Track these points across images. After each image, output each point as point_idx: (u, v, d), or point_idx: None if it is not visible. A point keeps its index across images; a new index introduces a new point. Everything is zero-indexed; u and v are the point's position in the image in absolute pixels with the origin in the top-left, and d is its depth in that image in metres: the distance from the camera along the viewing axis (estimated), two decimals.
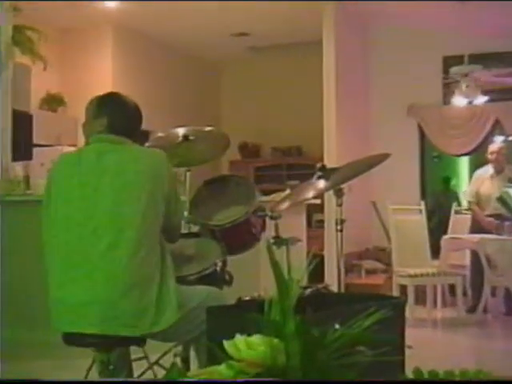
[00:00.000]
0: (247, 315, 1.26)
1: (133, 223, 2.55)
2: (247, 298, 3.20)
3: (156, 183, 2.63)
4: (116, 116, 2.78)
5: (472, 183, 7.21)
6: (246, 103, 10.73)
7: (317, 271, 6.55)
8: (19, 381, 2.31)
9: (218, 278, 3.07)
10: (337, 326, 1.13)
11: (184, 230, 3.33)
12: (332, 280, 5.36)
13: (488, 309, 6.57)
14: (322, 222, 7.78)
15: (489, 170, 6.98)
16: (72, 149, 7.08)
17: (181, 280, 2.80)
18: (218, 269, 3.07)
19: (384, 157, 3.19)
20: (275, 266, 1.13)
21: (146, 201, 2.59)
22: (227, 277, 3.16)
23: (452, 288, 6.70)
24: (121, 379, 2.43)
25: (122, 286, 2.49)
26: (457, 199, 9.01)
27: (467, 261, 7.02)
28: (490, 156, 6.95)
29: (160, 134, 3.95)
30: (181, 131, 3.65)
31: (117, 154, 2.67)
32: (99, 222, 2.55)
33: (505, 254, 6.42)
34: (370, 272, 7.85)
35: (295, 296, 1.11)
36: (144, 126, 2.88)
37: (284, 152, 10.57)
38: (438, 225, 8.07)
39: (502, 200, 6.68)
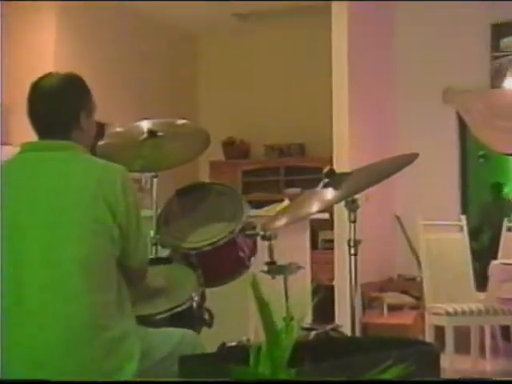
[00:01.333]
0: (231, 367, 1.27)
1: (74, 257, 2.50)
2: (232, 344, 3.22)
3: (107, 206, 2.57)
4: (33, 105, 2.75)
5: None
6: (231, 87, 10.74)
7: (324, 307, 6.55)
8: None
9: (194, 318, 3.08)
10: None
11: (150, 255, 3.34)
12: (344, 319, 5.36)
13: None
14: (330, 242, 7.78)
15: None
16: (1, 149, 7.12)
17: (145, 321, 2.80)
18: (195, 305, 3.08)
19: (412, 157, 3.21)
20: (262, 306, 1.14)
21: (93, 229, 2.54)
22: (206, 316, 3.18)
23: (505, 330, 6.70)
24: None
25: (61, 338, 2.44)
26: (511, 212, 9.02)
27: None
28: None
29: (118, 129, 3.97)
30: (146, 125, 3.67)
31: (56, 166, 2.65)
32: (30, 256, 2.50)
33: None
34: (394, 308, 7.85)
35: (291, 342, 1.11)
36: (97, 118, 2.86)
37: (281, 151, 10.60)
38: (485, 246, 8.08)
39: None
